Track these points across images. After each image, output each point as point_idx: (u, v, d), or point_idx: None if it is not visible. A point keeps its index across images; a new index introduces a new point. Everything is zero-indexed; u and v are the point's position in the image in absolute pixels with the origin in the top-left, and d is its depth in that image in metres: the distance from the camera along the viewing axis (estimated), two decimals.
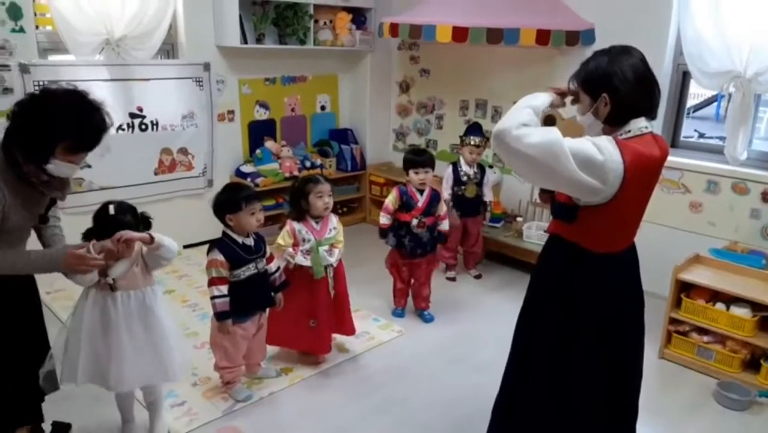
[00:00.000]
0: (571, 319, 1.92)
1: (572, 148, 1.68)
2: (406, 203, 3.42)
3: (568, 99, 1.96)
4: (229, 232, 2.60)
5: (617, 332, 1.93)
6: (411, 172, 3.41)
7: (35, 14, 3.72)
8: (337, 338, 3.26)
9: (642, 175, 1.79)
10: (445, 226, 3.56)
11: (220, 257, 2.55)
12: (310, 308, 2.93)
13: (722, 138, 3.80)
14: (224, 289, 2.56)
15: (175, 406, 2.68)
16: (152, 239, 2.14)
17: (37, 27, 3.74)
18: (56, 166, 1.93)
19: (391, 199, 3.44)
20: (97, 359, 2.18)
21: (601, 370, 1.94)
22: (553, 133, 1.69)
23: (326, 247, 2.90)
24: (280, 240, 2.88)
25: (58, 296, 3.69)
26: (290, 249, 2.87)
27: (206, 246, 2.65)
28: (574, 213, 1.85)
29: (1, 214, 1.91)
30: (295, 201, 2.93)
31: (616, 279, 1.93)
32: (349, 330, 3.13)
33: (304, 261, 2.86)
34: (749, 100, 3.44)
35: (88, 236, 2.16)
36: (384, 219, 3.45)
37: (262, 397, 2.77)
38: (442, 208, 3.55)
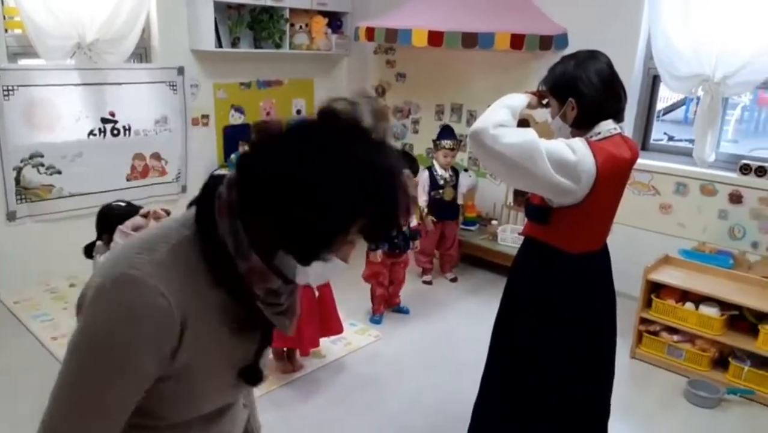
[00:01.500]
0: (548, 319, 1.94)
1: (548, 150, 1.70)
2: None
3: (545, 101, 1.98)
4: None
5: (593, 330, 1.96)
6: None
7: (4, 17, 3.65)
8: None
9: (613, 176, 1.82)
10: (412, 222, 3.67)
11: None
12: None
13: (691, 141, 3.88)
14: None
15: None
16: (168, 212, 2.10)
17: (6, 30, 3.67)
18: (324, 267, 0.94)
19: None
20: None
21: (577, 369, 1.96)
22: (530, 134, 1.72)
23: None
24: None
25: (27, 305, 3.63)
26: None
27: None
28: (547, 215, 1.87)
29: (169, 358, 0.88)
30: None
31: (590, 279, 1.96)
32: (337, 328, 3.07)
33: None
34: (717, 103, 3.52)
35: (89, 249, 2.12)
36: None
37: None
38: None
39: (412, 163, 3.52)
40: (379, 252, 3.47)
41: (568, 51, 4.15)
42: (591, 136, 1.83)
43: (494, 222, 4.45)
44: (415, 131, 5.23)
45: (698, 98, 3.60)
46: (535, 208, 1.93)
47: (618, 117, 1.88)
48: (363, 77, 5.47)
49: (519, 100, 1.88)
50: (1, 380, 2.88)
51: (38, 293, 3.79)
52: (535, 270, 1.99)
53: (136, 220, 2.03)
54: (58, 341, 3.21)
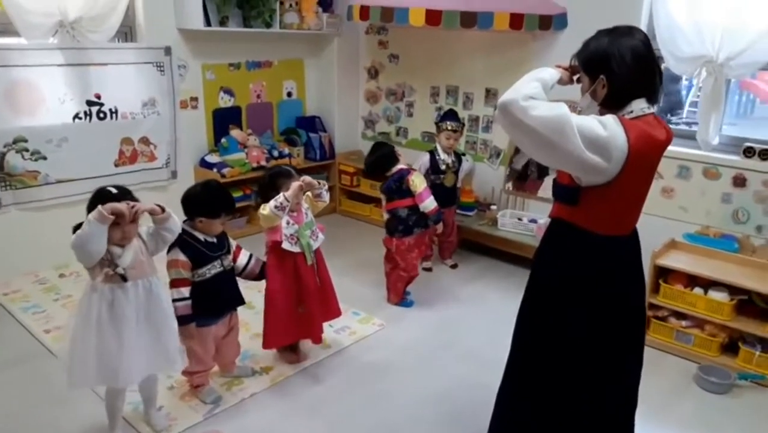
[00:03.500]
0: (577, 303, 1.88)
1: (578, 125, 1.63)
2: (398, 190, 3.43)
3: (576, 77, 1.90)
4: (190, 229, 2.43)
5: (622, 315, 1.90)
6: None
7: None
8: None
9: (646, 156, 1.75)
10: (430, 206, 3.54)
11: (182, 257, 2.39)
12: (297, 295, 2.79)
13: (688, 123, 3.85)
14: (186, 292, 2.40)
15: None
16: (163, 208, 2.13)
17: None
18: None
19: (420, 180, 3.45)
20: (108, 356, 2.08)
21: (606, 355, 1.91)
22: (561, 108, 1.63)
23: (308, 232, 2.78)
24: (263, 211, 2.64)
25: (16, 297, 3.48)
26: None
27: None
28: (576, 195, 1.80)
29: None
30: (265, 194, 2.73)
31: (621, 262, 1.90)
32: (336, 311, 2.98)
33: (292, 247, 2.71)
34: (721, 85, 3.48)
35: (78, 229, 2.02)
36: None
37: (244, 398, 2.66)
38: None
39: (389, 153, 3.51)
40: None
41: (567, 32, 4.11)
42: (623, 115, 1.76)
43: (493, 207, 4.39)
44: (410, 114, 5.12)
45: (690, 82, 3.54)
46: (563, 188, 1.85)
47: (653, 98, 1.80)
48: (354, 58, 5.33)
49: (550, 74, 1.80)
50: None
51: (27, 284, 3.64)
52: (561, 252, 1.92)
53: (116, 205, 1.97)
54: (51, 334, 3.08)
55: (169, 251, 2.40)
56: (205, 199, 2.45)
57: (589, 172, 1.71)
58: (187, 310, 2.39)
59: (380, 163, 3.52)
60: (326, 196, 2.81)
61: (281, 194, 2.61)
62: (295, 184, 2.63)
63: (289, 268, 2.74)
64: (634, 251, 1.96)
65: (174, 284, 2.39)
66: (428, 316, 3.51)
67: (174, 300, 2.35)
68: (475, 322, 3.44)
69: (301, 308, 2.80)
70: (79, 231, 1.96)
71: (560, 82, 1.86)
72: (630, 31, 1.77)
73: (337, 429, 2.52)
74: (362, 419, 2.58)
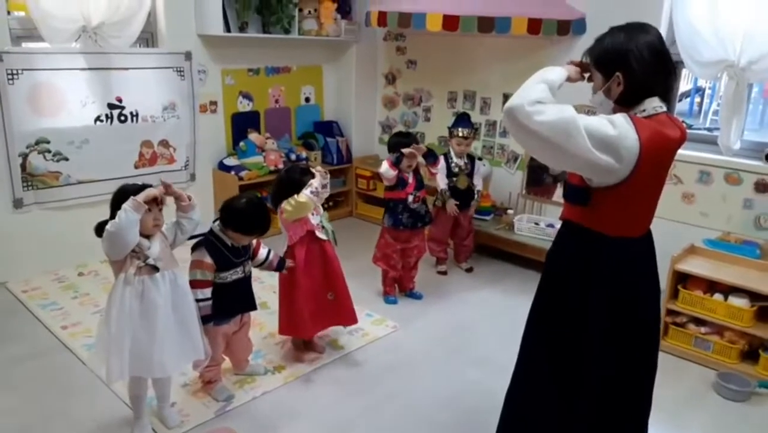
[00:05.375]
0: (588, 306, 1.85)
1: (586, 126, 1.61)
2: (400, 181, 3.44)
3: (587, 74, 1.87)
4: (220, 233, 2.46)
5: (634, 320, 1.87)
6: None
7: None
8: (331, 334, 3.17)
9: (658, 155, 1.72)
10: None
11: (208, 259, 2.40)
12: (324, 282, 2.88)
13: (709, 129, 3.79)
14: (208, 293, 2.42)
15: None
16: (189, 197, 2.22)
17: (9, 12, 3.55)
18: None
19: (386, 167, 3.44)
20: (141, 348, 2.13)
21: (617, 359, 1.87)
22: (568, 110, 1.61)
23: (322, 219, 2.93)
24: (299, 199, 2.68)
25: (35, 294, 3.54)
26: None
27: (188, 242, 2.46)
28: (587, 196, 1.77)
29: None
30: (285, 193, 2.74)
31: (634, 265, 1.86)
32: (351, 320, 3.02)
33: (321, 234, 2.86)
34: (743, 89, 3.42)
35: (101, 227, 2.08)
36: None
37: (256, 397, 2.66)
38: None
39: (407, 137, 3.54)
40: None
41: (586, 37, 4.08)
42: (635, 113, 1.73)
43: (510, 211, 4.36)
44: (427, 119, 5.13)
45: (697, 89, 3.49)
46: (574, 189, 1.82)
47: (667, 96, 1.77)
48: (372, 64, 5.36)
49: (557, 73, 1.76)
50: (14, 369, 2.81)
51: (46, 282, 3.70)
52: (573, 254, 1.89)
53: (149, 191, 2.05)
54: (68, 330, 3.13)
55: (195, 250, 2.44)
56: (245, 217, 2.44)
57: (600, 173, 1.68)
58: (209, 310, 2.42)
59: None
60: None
61: (312, 182, 2.72)
62: (320, 171, 2.81)
63: (317, 257, 2.85)
64: (648, 253, 1.92)
65: (197, 284, 2.38)
66: (442, 319, 3.49)
67: (197, 300, 2.36)
68: (489, 326, 3.41)
69: (331, 295, 2.90)
70: (112, 221, 2.01)
71: (569, 79, 1.82)
72: (644, 27, 1.75)
73: (347, 429, 2.51)
74: (373, 419, 2.57)
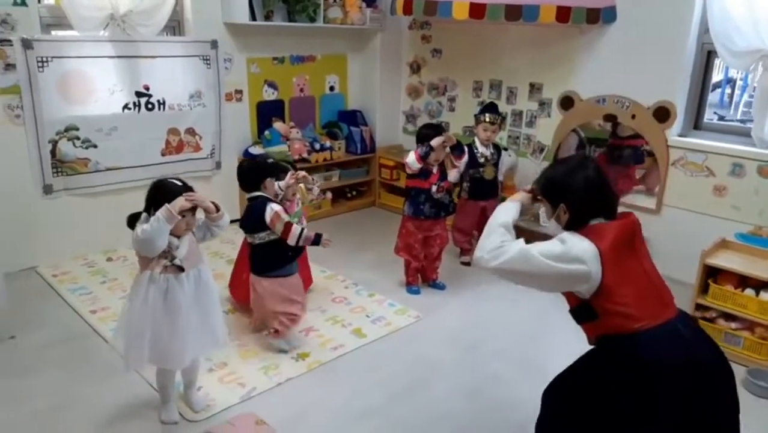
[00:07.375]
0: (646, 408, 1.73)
1: (540, 250, 1.78)
2: (423, 171, 3.42)
3: (538, 202, 2.04)
4: (264, 194, 2.81)
5: (692, 409, 1.74)
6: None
7: None
8: (354, 323, 3.19)
9: (621, 240, 1.80)
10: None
11: (277, 207, 2.72)
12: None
13: (742, 121, 3.70)
14: (298, 229, 2.72)
15: None
16: (217, 207, 2.25)
17: (39, 1, 3.59)
18: None
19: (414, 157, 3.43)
20: (160, 342, 2.19)
21: None
22: (518, 244, 1.83)
23: (296, 220, 3.02)
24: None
25: (65, 278, 3.60)
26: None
27: None
28: (591, 309, 1.83)
29: None
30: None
31: (674, 351, 1.73)
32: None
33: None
34: None
35: (133, 219, 2.13)
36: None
37: (280, 383, 2.69)
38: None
39: (437, 130, 3.51)
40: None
41: (616, 25, 4.00)
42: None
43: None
44: (451, 109, 5.09)
45: (728, 80, 3.41)
46: (577, 309, 1.89)
47: (610, 215, 1.88)
48: (397, 53, 5.33)
49: (510, 212, 1.98)
50: (44, 352, 2.87)
51: (76, 266, 3.77)
52: (611, 374, 1.79)
53: (184, 205, 2.08)
54: (97, 315, 3.18)
55: (265, 208, 2.69)
56: (266, 165, 2.94)
57: (578, 280, 1.77)
58: (312, 236, 2.75)
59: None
60: (316, 191, 3.26)
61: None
62: (305, 176, 3.12)
63: None
64: (692, 337, 1.79)
65: (288, 227, 2.69)
66: (464, 310, 3.48)
67: (299, 236, 2.70)
68: (511, 319, 3.38)
69: None
70: (145, 227, 2.03)
71: (523, 207, 2.03)
72: (584, 162, 1.90)
73: (368, 418, 2.51)
74: (394, 409, 2.57)
